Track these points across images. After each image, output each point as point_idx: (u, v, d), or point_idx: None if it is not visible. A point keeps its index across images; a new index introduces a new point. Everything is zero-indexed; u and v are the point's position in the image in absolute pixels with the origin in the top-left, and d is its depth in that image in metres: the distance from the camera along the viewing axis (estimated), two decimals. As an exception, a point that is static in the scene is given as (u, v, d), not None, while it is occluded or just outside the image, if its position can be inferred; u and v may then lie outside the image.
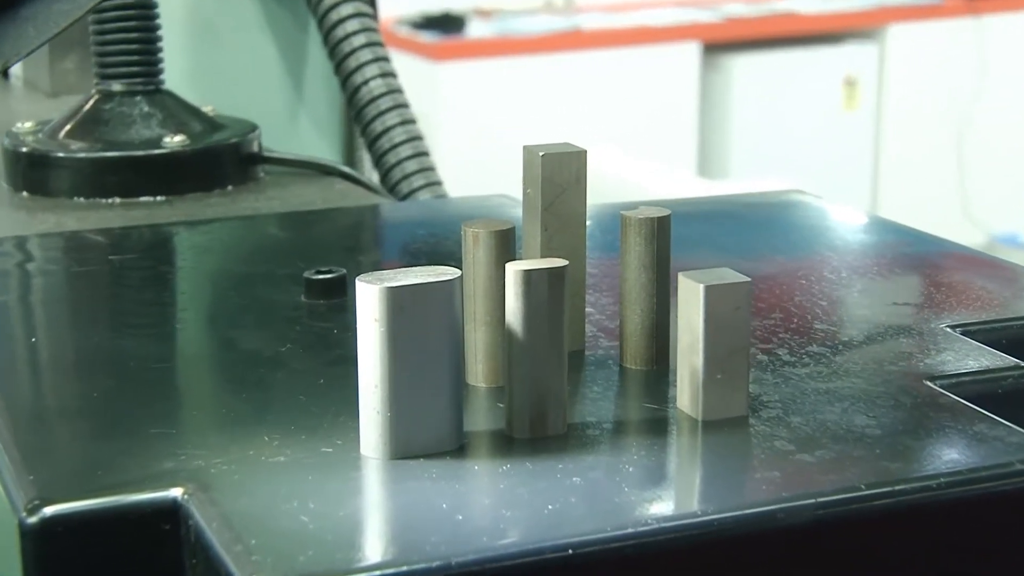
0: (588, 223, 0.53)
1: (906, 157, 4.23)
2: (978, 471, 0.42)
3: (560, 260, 0.44)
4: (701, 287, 0.44)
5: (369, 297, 0.42)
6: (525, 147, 0.51)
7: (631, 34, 3.96)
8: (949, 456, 0.44)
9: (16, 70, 1.21)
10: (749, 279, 0.45)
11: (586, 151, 0.51)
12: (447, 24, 3.82)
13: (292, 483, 0.42)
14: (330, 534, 0.39)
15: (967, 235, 3.47)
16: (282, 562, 0.37)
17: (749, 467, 0.43)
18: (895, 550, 0.41)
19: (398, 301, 0.42)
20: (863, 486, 0.41)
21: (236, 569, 0.37)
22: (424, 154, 1.00)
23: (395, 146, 0.99)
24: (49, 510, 0.41)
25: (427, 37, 3.76)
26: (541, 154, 0.50)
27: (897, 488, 0.41)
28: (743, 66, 4.07)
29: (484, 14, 4.01)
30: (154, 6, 0.89)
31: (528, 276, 0.43)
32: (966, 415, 0.46)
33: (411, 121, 1.00)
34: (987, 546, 0.42)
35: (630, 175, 2.82)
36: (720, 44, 4.04)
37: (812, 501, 0.40)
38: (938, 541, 0.42)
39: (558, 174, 0.51)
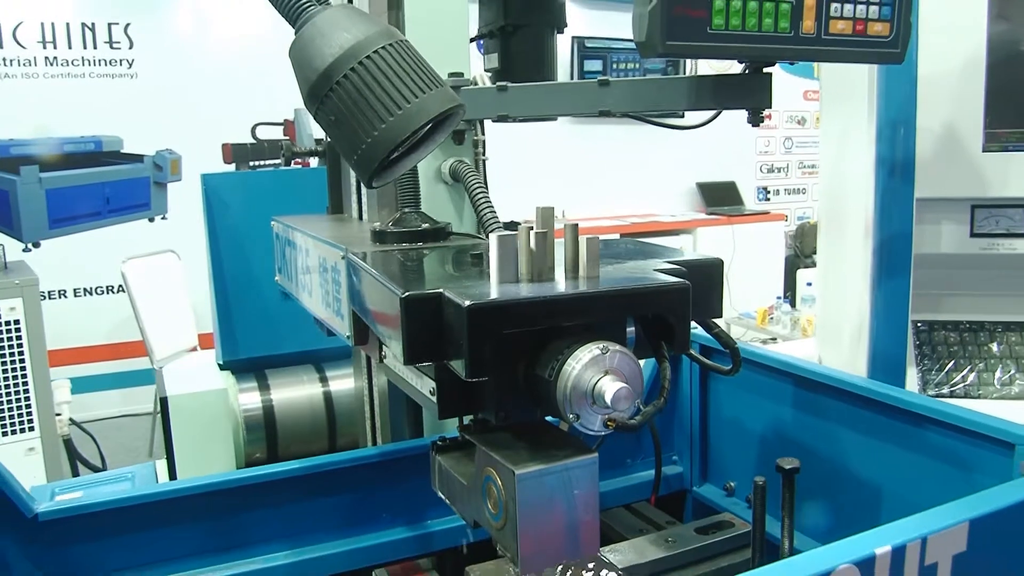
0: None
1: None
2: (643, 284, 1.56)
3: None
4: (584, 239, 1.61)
5: (493, 241, 1.59)
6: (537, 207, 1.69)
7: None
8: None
9: (364, 215, 2.28)
10: (599, 236, 1.61)
11: (553, 208, 1.68)
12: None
13: (479, 287, 1.53)
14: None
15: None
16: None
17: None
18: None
19: (506, 241, 1.58)
20: (591, 292, 1.51)
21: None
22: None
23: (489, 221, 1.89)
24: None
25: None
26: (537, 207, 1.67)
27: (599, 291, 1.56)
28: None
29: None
30: (416, 176, 1.94)
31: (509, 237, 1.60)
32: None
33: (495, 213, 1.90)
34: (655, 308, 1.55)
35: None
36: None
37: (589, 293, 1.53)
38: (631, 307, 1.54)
39: (546, 217, 1.68)
